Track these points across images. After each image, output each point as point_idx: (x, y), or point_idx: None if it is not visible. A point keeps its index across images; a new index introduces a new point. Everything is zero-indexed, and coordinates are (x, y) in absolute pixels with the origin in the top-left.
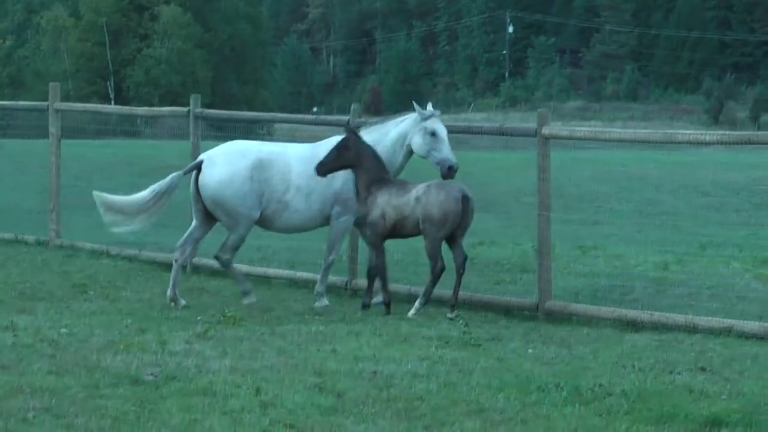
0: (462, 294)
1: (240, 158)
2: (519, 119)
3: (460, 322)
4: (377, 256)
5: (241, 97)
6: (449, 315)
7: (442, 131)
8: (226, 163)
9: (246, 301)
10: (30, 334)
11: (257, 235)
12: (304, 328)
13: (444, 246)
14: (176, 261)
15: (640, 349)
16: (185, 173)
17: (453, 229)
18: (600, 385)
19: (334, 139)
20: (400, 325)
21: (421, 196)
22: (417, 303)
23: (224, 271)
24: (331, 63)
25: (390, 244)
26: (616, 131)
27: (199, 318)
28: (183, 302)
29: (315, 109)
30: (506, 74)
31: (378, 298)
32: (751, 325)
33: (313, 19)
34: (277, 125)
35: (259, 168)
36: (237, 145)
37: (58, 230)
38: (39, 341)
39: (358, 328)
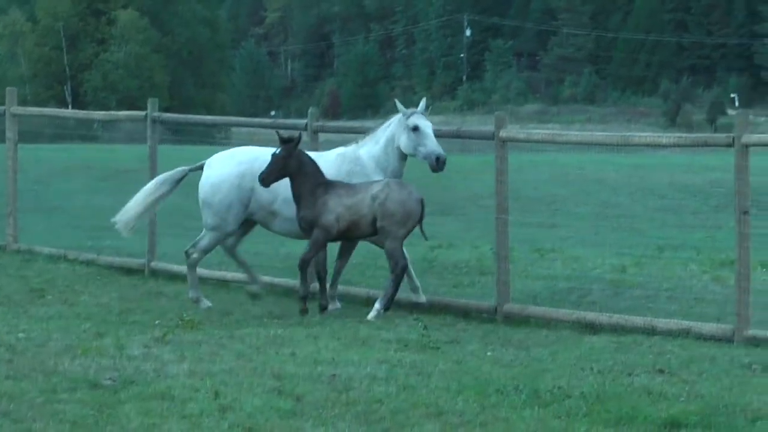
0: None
1: (234, 165)
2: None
3: (419, 325)
4: (313, 252)
5: (199, 100)
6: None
7: (425, 125)
8: (220, 167)
9: (202, 305)
10: None
11: None
12: (262, 332)
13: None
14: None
15: (598, 351)
16: (191, 170)
17: (412, 228)
18: (559, 388)
19: (337, 152)
20: (358, 329)
21: (379, 194)
22: (378, 305)
23: (185, 270)
24: (289, 67)
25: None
26: (574, 134)
27: (157, 322)
28: (208, 303)
29: (273, 113)
30: (464, 77)
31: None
32: (709, 327)
33: (271, 23)
34: (235, 129)
35: (249, 176)
36: (238, 151)
37: (15, 235)
38: None
39: (317, 332)
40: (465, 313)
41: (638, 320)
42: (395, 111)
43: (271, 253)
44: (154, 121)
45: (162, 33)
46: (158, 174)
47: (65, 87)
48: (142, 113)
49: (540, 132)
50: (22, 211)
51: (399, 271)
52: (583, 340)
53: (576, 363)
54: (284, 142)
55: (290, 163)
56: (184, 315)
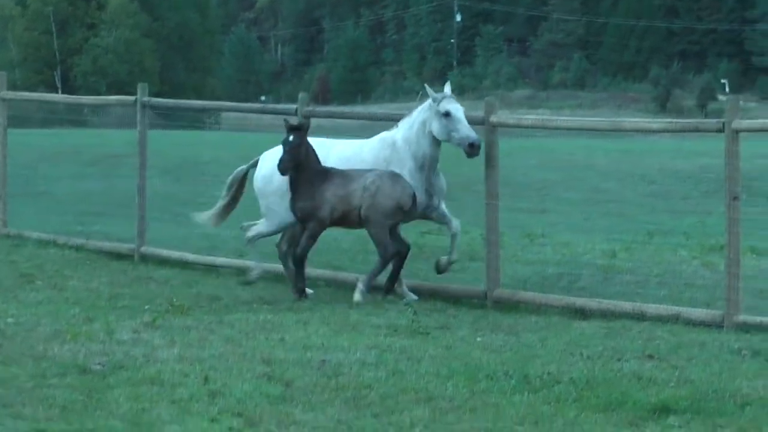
0: (411, 282)
1: (274, 160)
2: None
3: (409, 310)
4: (309, 245)
5: (189, 85)
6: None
7: (456, 110)
8: (272, 160)
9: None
10: None
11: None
12: (252, 317)
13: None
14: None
15: (588, 336)
16: (249, 167)
17: (398, 221)
18: (548, 373)
19: (380, 136)
20: (348, 314)
21: (370, 186)
22: (361, 285)
23: (174, 255)
24: (279, 52)
25: (339, 234)
26: (564, 119)
27: (146, 307)
28: (311, 291)
29: (263, 98)
30: (454, 63)
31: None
32: (699, 313)
33: (261, 8)
34: (225, 114)
35: None
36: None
37: (4, 219)
38: None
39: (307, 317)
40: (455, 299)
41: (628, 306)
42: (387, 96)
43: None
44: (143, 106)
45: (152, 18)
46: (147, 159)
47: (55, 72)
48: (132, 98)
49: (530, 117)
50: (12, 196)
51: (388, 256)
52: (572, 326)
53: (566, 348)
54: (294, 129)
55: (302, 151)
56: (174, 300)
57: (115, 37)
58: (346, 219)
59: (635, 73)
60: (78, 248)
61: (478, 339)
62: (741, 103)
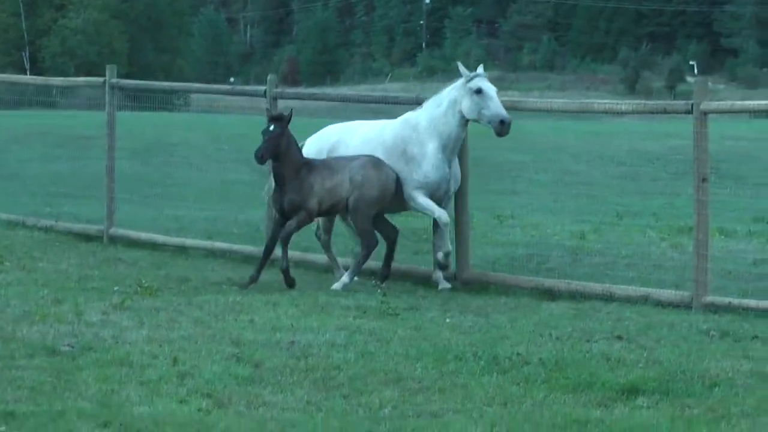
0: (379, 263)
1: (318, 143)
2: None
3: (378, 291)
4: (297, 228)
5: (158, 67)
6: (378, 284)
7: (489, 88)
8: (310, 145)
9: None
10: None
11: (174, 205)
12: (221, 299)
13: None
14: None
15: (557, 317)
16: None
17: (383, 207)
18: (517, 354)
19: (404, 117)
20: (317, 296)
21: (356, 176)
22: (346, 278)
23: (143, 237)
24: (248, 33)
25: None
26: (533, 101)
27: (115, 288)
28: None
29: (232, 80)
30: (423, 44)
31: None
32: (668, 294)
33: None
34: (194, 96)
35: (334, 152)
36: (327, 129)
37: None
38: None
39: (276, 299)
40: (424, 280)
41: (597, 287)
42: (356, 78)
43: (229, 219)
44: (112, 87)
45: None
46: (116, 140)
47: (23, 53)
48: (101, 79)
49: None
50: None
51: (372, 246)
52: (541, 307)
53: (535, 329)
54: (275, 119)
55: (282, 142)
56: (143, 281)
57: (84, 18)
58: (334, 209)
59: (604, 54)
60: (47, 230)
61: (448, 320)
62: (709, 84)
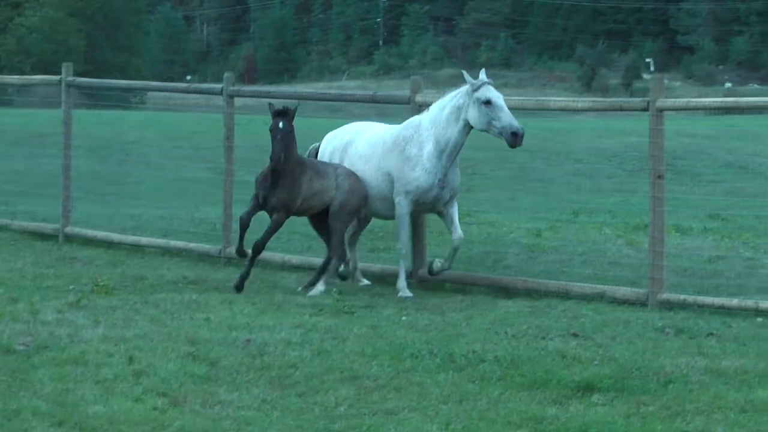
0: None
1: (333, 140)
2: (393, 87)
3: (334, 290)
4: (271, 236)
5: (115, 65)
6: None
7: (497, 98)
8: (327, 141)
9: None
10: None
11: (130, 203)
12: (177, 297)
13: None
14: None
15: (513, 315)
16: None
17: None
18: (473, 352)
19: (408, 121)
20: (273, 294)
21: (342, 183)
22: (321, 286)
23: (99, 235)
24: (205, 31)
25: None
26: None
27: (71, 287)
28: (366, 281)
29: (189, 78)
30: (380, 42)
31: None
32: (623, 291)
33: None
34: (150, 94)
35: (342, 151)
36: (346, 126)
37: None
38: None
39: (232, 297)
40: (380, 278)
41: (553, 284)
42: (313, 76)
43: (185, 217)
44: (68, 85)
45: None
46: (72, 139)
47: None
48: (57, 78)
49: None
50: None
51: (343, 254)
52: (497, 305)
53: (490, 327)
54: (281, 114)
55: (293, 138)
56: (99, 280)
57: (40, 16)
58: (307, 212)
59: (561, 52)
60: (2, 228)
61: (404, 318)
62: (666, 81)
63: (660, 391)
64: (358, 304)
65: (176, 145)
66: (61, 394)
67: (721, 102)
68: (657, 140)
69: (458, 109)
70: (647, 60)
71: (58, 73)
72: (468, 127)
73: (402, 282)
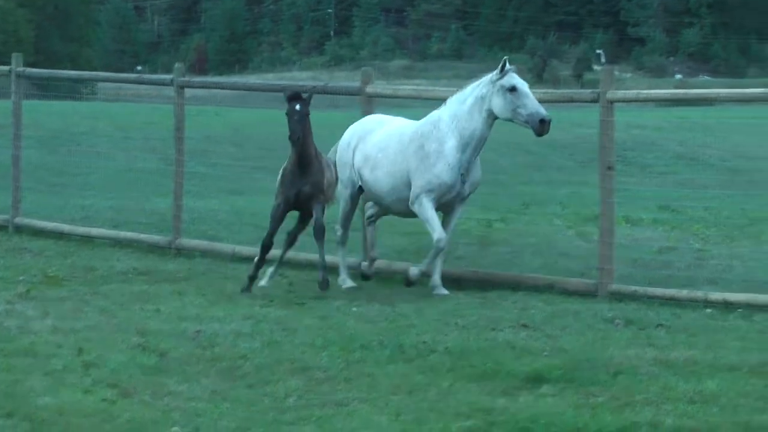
0: (288, 253)
1: (355, 129)
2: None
3: (284, 281)
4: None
5: (65, 55)
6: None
7: (522, 84)
8: (349, 130)
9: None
10: None
11: (80, 194)
12: (127, 288)
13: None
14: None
15: (463, 306)
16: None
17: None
18: (423, 343)
19: (428, 116)
20: (224, 285)
21: (333, 175)
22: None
23: (49, 226)
24: (156, 22)
25: (216, 204)
26: (440, 90)
27: (20, 278)
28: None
29: (139, 68)
30: (331, 33)
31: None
32: (574, 282)
33: None
34: (101, 84)
35: (360, 140)
36: (367, 118)
37: None
38: None
39: (182, 288)
40: (331, 269)
41: (503, 275)
42: (264, 67)
43: (135, 208)
44: (18, 76)
45: None
46: (22, 129)
47: None
48: (6, 68)
49: (407, 88)
50: None
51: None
52: (448, 296)
53: (441, 318)
54: (295, 98)
55: (309, 121)
56: (48, 271)
57: None
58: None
59: (512, 43)
60: None
61: (354, 309)
62: (616, 73)
63: (609, 382)
64: (309, 295)
65: (127, 135)
66: (9, 385)
67: (672, 94)
68: (607, 132)
69: (481, 99)
70: (598, 51)
71: (8, 63)
72: (492, 117)
73: (437, 279)
